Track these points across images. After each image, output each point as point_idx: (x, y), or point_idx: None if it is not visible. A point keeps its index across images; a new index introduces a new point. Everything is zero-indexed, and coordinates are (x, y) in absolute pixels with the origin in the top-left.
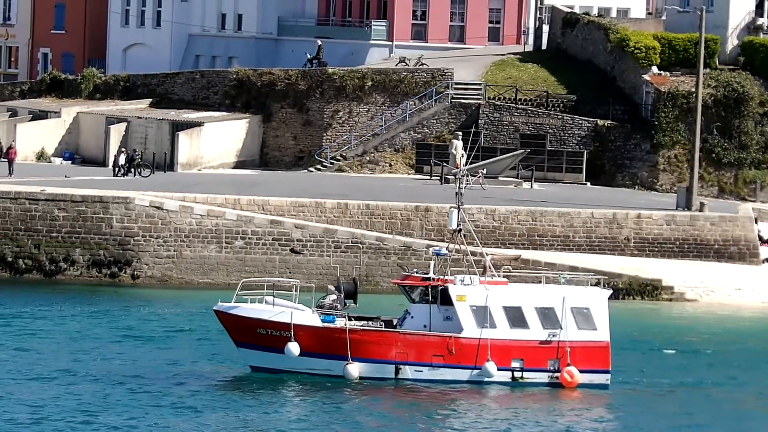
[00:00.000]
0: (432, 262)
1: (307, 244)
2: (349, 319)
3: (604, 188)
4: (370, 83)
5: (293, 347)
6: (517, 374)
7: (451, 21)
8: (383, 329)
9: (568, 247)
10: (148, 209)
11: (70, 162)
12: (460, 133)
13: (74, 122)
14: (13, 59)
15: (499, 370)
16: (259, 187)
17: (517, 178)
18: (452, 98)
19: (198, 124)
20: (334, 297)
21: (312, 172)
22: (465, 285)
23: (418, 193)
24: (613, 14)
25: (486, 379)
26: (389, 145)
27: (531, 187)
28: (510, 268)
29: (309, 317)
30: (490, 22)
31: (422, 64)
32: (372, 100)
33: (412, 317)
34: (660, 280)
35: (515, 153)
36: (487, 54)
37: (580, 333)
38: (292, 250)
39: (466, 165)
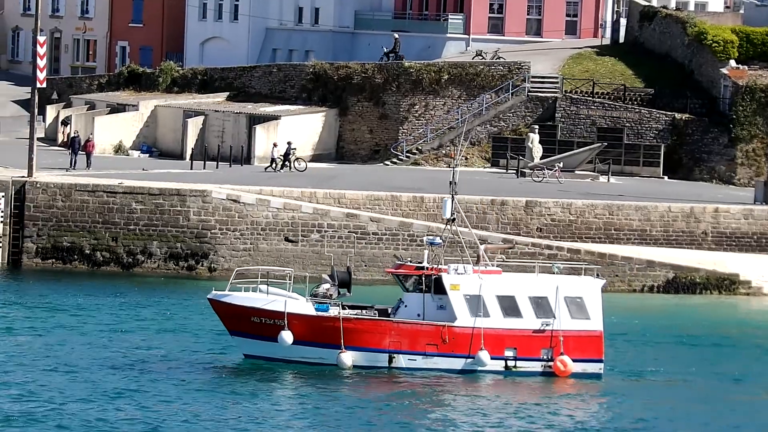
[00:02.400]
0: (426, 251)
1: (383, 237)
2: (343, 308)
3: (681, 182)
4: (446, 77)
5: (287, 336)
6: (511, 363)
7: (528, 14)
8: (377, 318)
9: (645, 241)
10: (225, 202)
11: (147, 155)
12: (536, 126)
13: (152, 115)
14: (91, 52)
15: (492, 359)
16: (335, 181)
17: (593, 171)
18: (529, 92)
19: (275, 117)
20: (327, 286)
21: (388, 165)
22: (458, 274)
23: (494, 186)
24: (691, 8)
25: (479, 368)
26: (465, 138)
27: (608, 180)
28: (503, 257)
29: (302, 306)
30: (568, 15)
31: (499, 58)
32: (448, 93)
33: (405, 306)
34: (737, 275)
35: (592, 146)
36: (564, 47)
37: (574, 322)
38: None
39: (542, 158)
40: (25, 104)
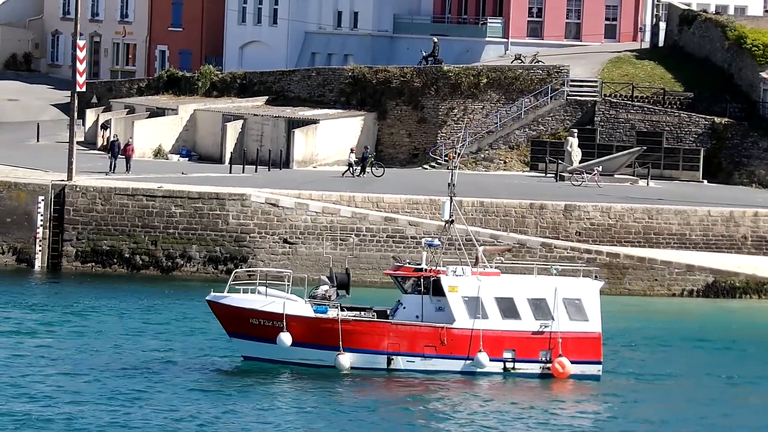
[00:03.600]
0: (424, 253)
1: (422, 241)
2: (342, 310)
3: (721, 186)
4: (485, 80)
5: (285, 337)
6: (509, 365)
7: (567, 18)
8: (375, 320)
9: (684, 245)
10: (263, 206)
11: (186, 159)
12: (575, 130)
13: (191, 119)
14: (130, 56)
15: (491, 360)
16: (373, 185)
17: (633, 175)
18: (568, 95)
19: (313, 121)
20: (326, 287)
21: (426, 169)
22: (457, 276)
23: (533, 190)
24: (731, 11)
25: (478, 370)
26: (504, 142)
27: (647, 184)
28: (502, 259)
29: (301, 307)
30: (607, 19)
31: (538, 62)
32: (487, 97)
33: (404, 308)
34: None
35: (631, 150)
36: (603, 51)
37: (572, 324)
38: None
39: (581, 162)
40: (64, 108)
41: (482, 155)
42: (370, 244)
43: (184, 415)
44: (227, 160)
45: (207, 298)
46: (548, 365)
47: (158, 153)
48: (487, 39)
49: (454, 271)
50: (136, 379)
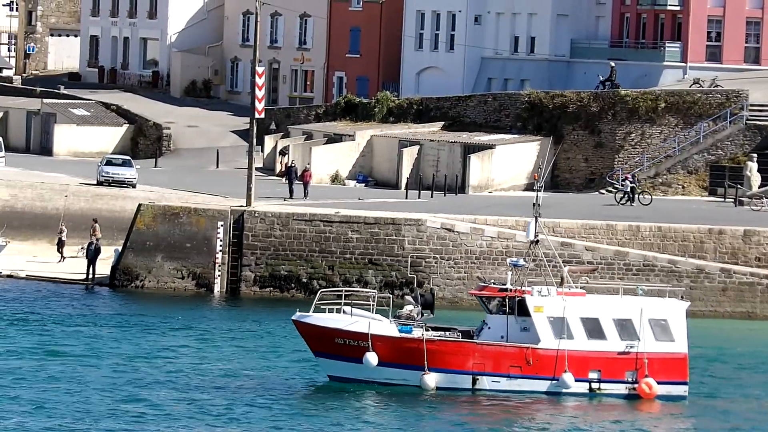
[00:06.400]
0: (509, 273)
1: (598, 266)
2: (427, 330)
3: None
4: (663, 105)
5: (371, 357)
6: (595, 385)
7: (746, 42)
8: (460, 339)
9: None
10: (439, 231)
11: (363, 185)
12: (755, 155)
13: (368, 145)
14: (308, 83)
15: (576, 381)
16: (549, 210)
17: None
18: (747, 120)
19: (489, 146)
20: (411, 307)
21: (603, 194)
22: (542, 296)
23: (712, 215)
24: None
25: (563, 391)
26: (682, 167)
27: None
28: (588, 279)
29: (386, 327)
30: None
31: (716, 86)
32: (665, 121)
33: (489, 328)
34: None
35: None
36: None
37: (658, 344)
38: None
39: (760, 187)
40: (243, 134)
41: (660, 180)
42: (546, 269)
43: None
44: (403, 186)
45: (293, 317)
46: (634, 386)
47: (335, 179)
48: (665, 63)
49: (540, 291)
50: (223, 396)
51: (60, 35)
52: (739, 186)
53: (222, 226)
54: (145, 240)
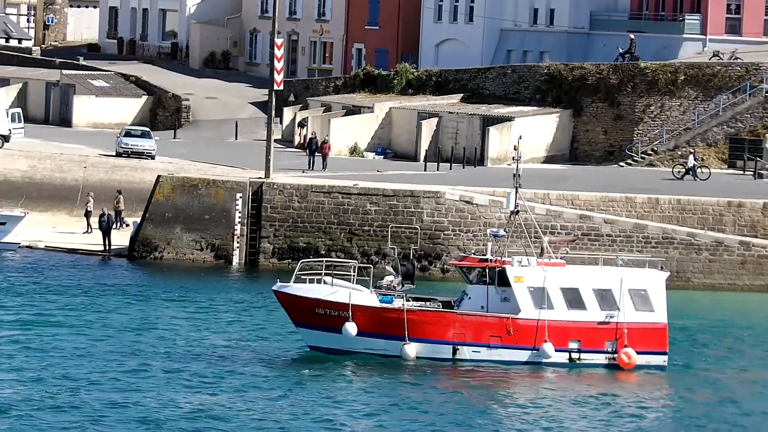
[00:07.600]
0: (489, 244)
1: (617, 239)
2: (407, 300)
3: None
4: (682, 77)
5: (350, 327)
6: (575, 355)
7: (766, 15)
8: (440, 310)
9: None
10: (458, 203)
11: (382, 157)
12: None
13: (386, 117)
14: (327, 55)
15: (556, 351)
16: (568, 182)
17: None
18: (766, 92)
19: (508, 119)
20: (391, 278)
21: (622, 166)
22: (522, 266)
23: (731, 188)
24: None
25: (543, 360)
26: (701, 139)
27: None
28: (567, 250)
29: (367, 297)
30: None
31: (736, 58)
32: (684, 94)
33: (469, 298)
34: None
35: None
36: None
37: (638, 314)
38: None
39: None
40: (262, 106)
41: (679, 152)
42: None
43: (248, 404)
44: (422, 158)
45: (273, 288)
46: (614, 356)
47: (354, 151)
48: (685, 36)
49: (520, 262)
50: (203, 364)
51: (79, 6)
52: (758, 159)
53: (241, 197)
54: (164, 211)
